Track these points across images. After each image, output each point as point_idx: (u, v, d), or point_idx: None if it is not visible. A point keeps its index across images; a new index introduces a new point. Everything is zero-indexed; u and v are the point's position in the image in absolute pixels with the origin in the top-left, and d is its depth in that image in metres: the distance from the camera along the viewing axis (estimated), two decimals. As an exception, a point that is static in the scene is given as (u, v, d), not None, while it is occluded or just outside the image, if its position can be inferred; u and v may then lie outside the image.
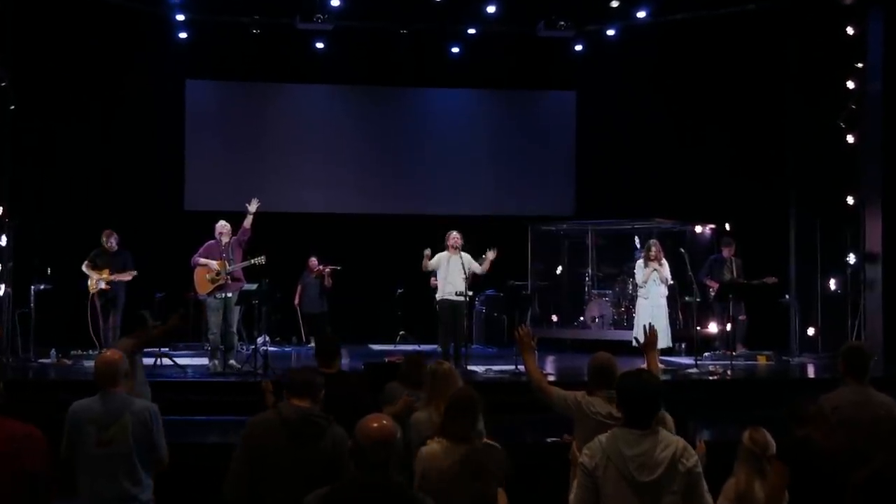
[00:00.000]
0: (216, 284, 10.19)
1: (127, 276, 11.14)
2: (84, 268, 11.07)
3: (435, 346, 11.09)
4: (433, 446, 4.34)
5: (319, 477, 3.78)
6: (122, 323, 10.90)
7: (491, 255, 10.37)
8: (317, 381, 4.21)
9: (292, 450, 3.96)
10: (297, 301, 13.59)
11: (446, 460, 4.26)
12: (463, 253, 10.50)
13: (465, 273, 10.30)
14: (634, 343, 5.93)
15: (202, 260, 10.27)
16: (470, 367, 10.36)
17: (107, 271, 11.04)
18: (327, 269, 13.36)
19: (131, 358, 6.24)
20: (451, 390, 4.92)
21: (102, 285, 10.99)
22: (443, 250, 10.52)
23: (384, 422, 3.35)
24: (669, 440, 3.72)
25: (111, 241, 11.15)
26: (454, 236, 10.48)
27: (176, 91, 14.13)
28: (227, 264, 10.17)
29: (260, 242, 10.50)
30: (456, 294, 10.37)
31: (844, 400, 4.80)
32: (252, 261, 10.31)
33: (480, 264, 10.48)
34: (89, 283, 11.01)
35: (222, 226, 10.39)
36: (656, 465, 3.64)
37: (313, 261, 13.53)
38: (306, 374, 4.31)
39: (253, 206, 10.37)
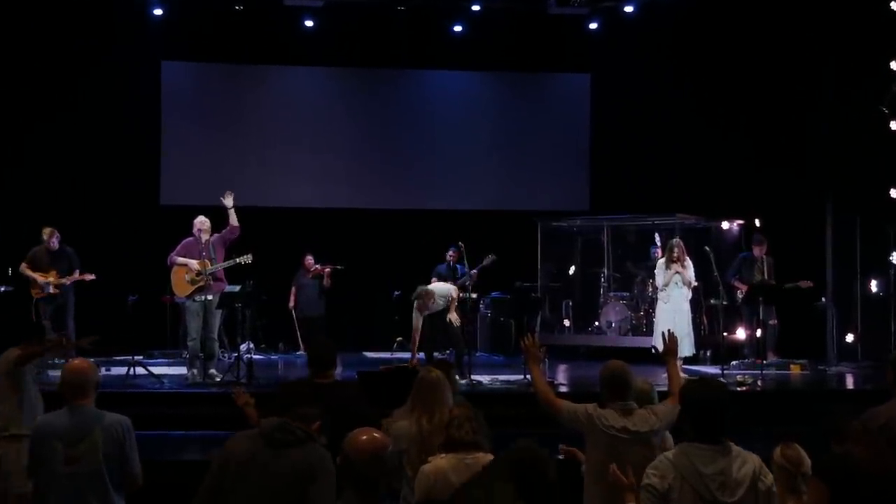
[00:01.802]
0: (196, 286, 10.12)
1: (85, 278, 11.09)
2: (23, 270, 10.96)
3: (436, 355, 11.08)
4: (439, 462, 4.36)
5: (281, 489, 3.82)
6: (75, 329, 10.84)
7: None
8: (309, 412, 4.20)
9: (261, 455, 3.94)
10: (291, 303, 13.54)
11: (455, 476, 4.27)
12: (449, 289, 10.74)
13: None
14: (653, 351, 5.93)
15: (180, 259, 10.20)
16: (475, 377, 10.37)
17: (53, 273, 10.97)
18: (327, 269, 13.28)
19: (16, 371, 6.24)
20: (437, 401, 4.95)
21: (51, 289, 10.92)
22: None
23: (375, 434, 3.39)
24: (745, 457, 3.77)
25: (53, 240, 11.07)
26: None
27: (151, 74, 14.10)
28: (208, 264, 10.14)
29: (243, 240, 10.44)
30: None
31: (895, 414, 4.77)
32: (237, 259, 10.23)
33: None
34: (32, 287, 10.90)
35: (201, 222, 10.30)
36: (737, 485, 3.69)
37: (309, 260, 13.46)
38: (293, 387, 4.30)
39: (229, 201, 10.23)
